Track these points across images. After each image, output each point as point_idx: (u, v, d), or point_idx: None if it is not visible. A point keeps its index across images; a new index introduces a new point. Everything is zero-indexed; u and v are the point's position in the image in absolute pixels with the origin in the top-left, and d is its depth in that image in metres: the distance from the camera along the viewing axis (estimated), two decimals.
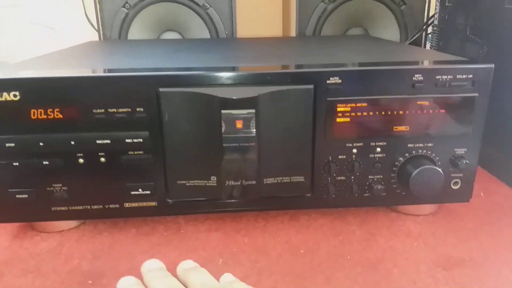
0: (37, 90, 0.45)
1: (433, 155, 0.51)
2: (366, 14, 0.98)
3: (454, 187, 0.52)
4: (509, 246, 0.49)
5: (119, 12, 0.93)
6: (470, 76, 0.48)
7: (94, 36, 1.00)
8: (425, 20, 0.95)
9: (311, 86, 0.47)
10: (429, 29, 0.92)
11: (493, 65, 0.48)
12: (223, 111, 0.46)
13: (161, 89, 0.45)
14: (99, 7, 0.93)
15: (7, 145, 0.47)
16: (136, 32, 0.95)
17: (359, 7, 0.96)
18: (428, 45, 0.97)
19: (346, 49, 0.66)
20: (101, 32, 0.95)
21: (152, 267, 0.43)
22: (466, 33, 0.72)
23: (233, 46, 0.76)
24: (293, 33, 0.97)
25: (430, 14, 0.92)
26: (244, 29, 0.99)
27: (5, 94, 0.45)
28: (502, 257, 0.47)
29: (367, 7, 0.96)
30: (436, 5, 0.84)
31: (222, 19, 0.94)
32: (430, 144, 0.50)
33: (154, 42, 0.81)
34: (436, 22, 0.85)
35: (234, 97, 0.46)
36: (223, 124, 0.47)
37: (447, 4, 0.80)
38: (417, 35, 0.94)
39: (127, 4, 0.93)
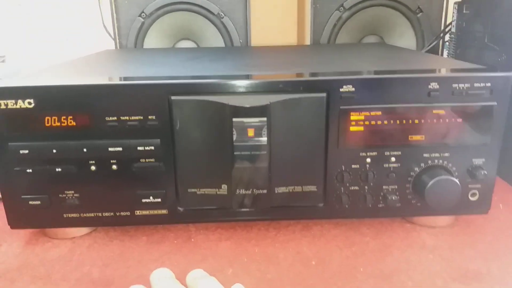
0: (51, 98, 0.46)
1: (450, 165, 0.49)
2: (381, 22, 0.97)
3: (471, 199, 0.51)
4: None
5: (135, 21, 0.94)
6: (488, 84, 0.46)
7: (110, 44, 1.01)
8: (442, 28, 0.93)
9: (324, 94, 0.46)
10: (446, 37, 0.91)
11: None
12: (234, 119, 0.46)
13: (173, 97, 0.45)
14: (115, 16, 0.94)
15: (21, 152, 0.47)
16: (151, 40, 0.96)
17: (375, 15, 0.95)
18: (445, 53, 0.95)
19: (360, 57, 0.65)
20: (117, 40, 0.96)
21: (162, 275, 0.43)
22: (484, 41, 0.71)
23: (246, 54, 0.75)
24: (307, 41, 0.97)
25: (447, 22, 0.90)
26: (258, 38, 0.99)
27: (19, 101, 0.45)
28: None
29: (383, 14, 0.95)
30: (453, 13, 0.83)
31: (236, 28, 0.95)
32: (446, 154, 0.49)
33: (168, 51, 0.82)
34: (453, 29, 0.83)
35: (245, 105, 0.45)
36: (234, 132, 0.47)
37: (464, 11, 0.78)
38: (434, 43, 0.93)
39: (143, 14, 0.94)
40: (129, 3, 0.94)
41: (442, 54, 0.96)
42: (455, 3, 0.83)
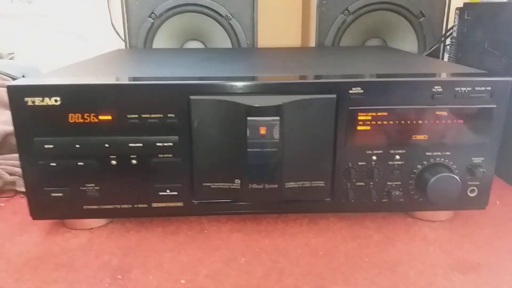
0: (76, 96, 0.48)
1: (451, 163, 0.52)
2: (384, 26, 1.00)
3: (470, 195, 0.54)
4: None
5: (145, 21, 0.97)
6: (489, 88, 0.49)
7: (119, 44, 1.04)
8: (443, 32, 0.96)
9: (334, 96, 0.49)
10: (447, 41, 0.94)
11: (511, 78, 0.49)
12: (249, 118, 0.49)
13: (191, 97, 0.48)
14: (126, 16, 0.97)
15: (46, 146, 0.50)
16: (160, 41, 0.99)
17: (378, 19, 0.98)
18: (446, 57, 0.98)
19: (365, 60, 0.68)
20: (127, 40, 0.99)
21: None
22: (484, 46, 0.74)
23: (255, 55, 0.78)
24: (312, 43, 0.99)
25: (449, 26, 0.93)
26: (264, 40, 1.02)
27: (46, 99, 0.48)
28: None
29: (386, 18, 0.98)
30: (455, 18, 0.86)
31: (244, 29, 0.97)
32: (448, 153, 0.52)
33: (179, 52, 0.84)
34: (454, 34, 0.86)
35: (260, 105, 0.48)
36: (248, 130, 0.49)
37: (466, 17, 0.81)
38: (435, 47, 0.96)
39: (153, 14, 0.96)
40: (140, 4, 0.96)
41: (443, 58, 0.99)
42: (456, 8, 0.86)
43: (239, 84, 0.49)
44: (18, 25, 1.24)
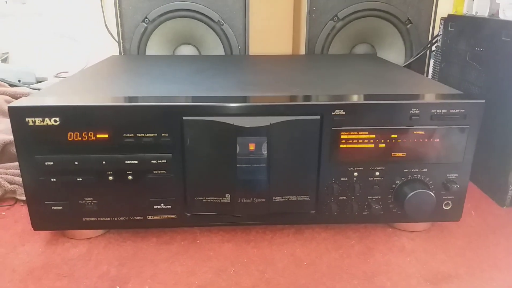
0: (75, 116, 0.51)
1: (427, 179, 0.56)
2: (373, 32, 1.02)
3: (445, 208, 0.57)
4: (493, 263, 0.54)
5: (139, 26, 0.99)
6: (463, 110, 0.53)
7: (113, 46, 1.06)
8: (429, 39, 0.99)
9: (318, 117, 0.52)
10: (434, 47, 0.97)
11: (484, 101, 0.53)
12: (238, 138, 0.52)
13: (184, 118, 0.51)
14: (120, 21, 0.99)
15: (46, 163, 0.53)
16: (154, 45, 1.01)
17: (367, 25, 1.01)
18: (432, 62, 1.01)
19: (350, 78, 0.70)
20: (121, 44, 1.01)
21: None
22: (466, 59, 0.77)
23: (246, 67, 0.81)
24: (303, 48, 1.02)
25: (435, 33, 0.96)
26: (256, 45, 1.04)
27: (46, 119, 0.51)
28: (486, 273, 0.52)
29: (374, 25, 1.01)
30: (440, 28, 0.89)
31: (236, 34, 1.00)
32: (424, 170, 0.55)
33: (172, 60, 0.87)
34: (439, 43, 0.89)
35: (249, 126, 0.51)
36: (237, 147, 0.53)
37: (449, 28, 0.84)
38: (420, 54, 0.99)
39: (146, 19, 0.98)
40: (133, 9, 0.98)
41: (428, 64, 1.02)
42: (441, 18, 0.89)
43: (230, 105, 0.52)
44: (12, 25, 1.25)
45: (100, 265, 0.54)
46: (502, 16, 0.68)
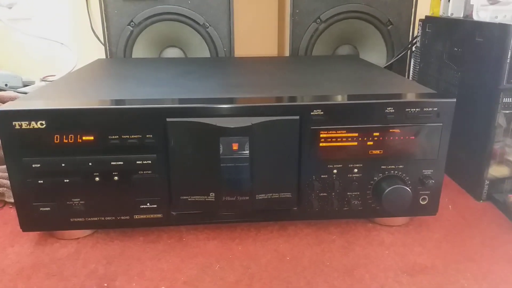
0: (61, 119, 0.52)
1: (404, 175, 0.58)
2: (355, 33, 1.05)
3: (422, 202, 0.60)
4: (468, 255, 0.56)
5: (125, 30, 1.00)
6: (436, 108, 0.55)
7: (100, 49, 1.07)
8: (410, 40, 1.02)
9: (297, 117, 0.54)
10: (414, 48, 0.99)
11: (455, 100, 0.55)
12: (221, 138, 0.54)
13: (168, 119, 0.53)
14: (106, 25, 1.00)
15: (34, 165, 0.54)
16: (140, 48, 1.02)
17: (349, 27, 1.04)
18: (412, 62, 1.04)
19: (331, 78, 0.72)
20: (107, 47, 1.02)
21: None
22: (443, 59, 0.80)
23: (231, 69, 0.82)
24: (287, 50, 1.04)
25: (415, 35, 0.99)
26: (241, 47, 1.06)
27: (33, 122, 0.52)
28: (461, 265, 0.54)
29: (356, 27, 1.03)
30: (418, 29, 0.92)
31: (221, 37, 1.02)
32: (401, 166, 0.58)
33: (157, 63, 0.88)
34: (418, 44, 0.92)
35: (231, 126, 0.53)
36: (221, 147, 0.54)
37: (427, 30, 0.87)
38: (401, 54, 1.01)
39: (132, 23, 1.00)
40: (119, 13, 0.99)
41: (409, 64, 1.05)
42: (420, 20, 0.91)
43: (212, 107, 0.54)
44: None
45: (88, 264, 0.55)
46: (476, 18, 0.71)
